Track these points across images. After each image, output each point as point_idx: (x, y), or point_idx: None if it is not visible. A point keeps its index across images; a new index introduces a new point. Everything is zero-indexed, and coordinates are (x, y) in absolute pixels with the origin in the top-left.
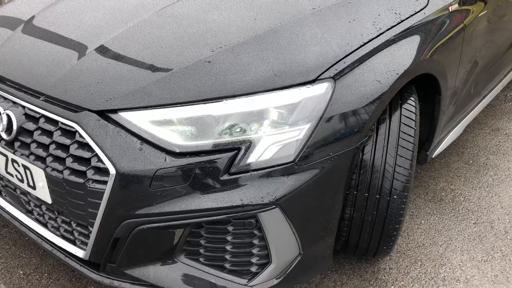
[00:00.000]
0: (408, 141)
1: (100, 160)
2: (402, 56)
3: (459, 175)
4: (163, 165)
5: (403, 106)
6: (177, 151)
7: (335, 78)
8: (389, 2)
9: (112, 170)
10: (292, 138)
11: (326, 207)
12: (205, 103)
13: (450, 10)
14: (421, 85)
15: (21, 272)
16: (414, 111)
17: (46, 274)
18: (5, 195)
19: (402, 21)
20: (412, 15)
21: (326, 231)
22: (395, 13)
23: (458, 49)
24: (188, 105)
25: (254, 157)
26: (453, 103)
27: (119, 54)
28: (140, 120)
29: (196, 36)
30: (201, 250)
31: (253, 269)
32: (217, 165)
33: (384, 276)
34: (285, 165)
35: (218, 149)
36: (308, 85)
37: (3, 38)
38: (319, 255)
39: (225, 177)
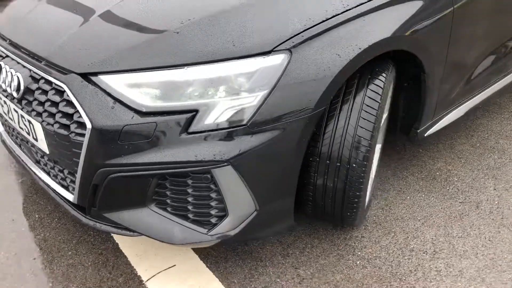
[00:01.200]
0: (370, 113)
1: (80, 116)
2: (369, 32)
3: (461, 156)
4: (129, 122)
5: (371, 80)
6: (144, 110)
7: (291, 50)
8: None
9: (89, 125)
10: (247, 104)
11: (282, 169)
12: (169, 69)
13: None
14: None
15: (37, 216)
16: (382, 86)
17: (56, 219)
18: (23, 148)
19: None
20: None
21: (284, 192)
22: None
23: (445, 29)
24: (155, 70)
25: (211, 119)
26: (447, 84)
27: (104, 26)
28: (114, 82)
29: (169, 11)
30: (168, 201)
31: (213, 220)
32: (176, 125)
33: (354, 243)
34: (238, 128)
35: (178, 110)
36: (264, 56)
37: (29, 8)
38: (277, 214)
39: (184, 135)
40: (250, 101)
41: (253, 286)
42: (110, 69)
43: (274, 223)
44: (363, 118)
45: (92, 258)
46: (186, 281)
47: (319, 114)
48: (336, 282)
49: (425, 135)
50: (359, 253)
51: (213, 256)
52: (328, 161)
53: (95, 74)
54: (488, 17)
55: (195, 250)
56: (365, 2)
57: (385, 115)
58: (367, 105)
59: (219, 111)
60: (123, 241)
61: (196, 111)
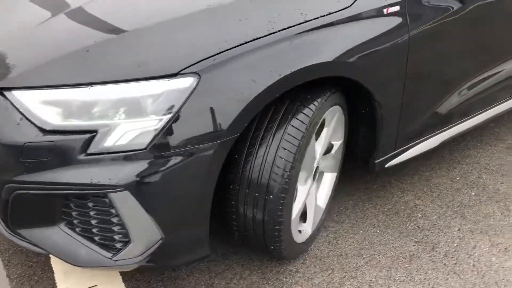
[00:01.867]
0: (292, 143)
1: None
2: (295, 58)
3: (434, 190)
4: (31, 139)
5: (299, 108)
6: (47, 128)
7: (199, 73)
8: (301, 3)
9: None
10: (150, 127)
11: (190, 198)
12: (74, 88)
13: (386, 13)
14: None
15: None
16: (309, 115)
17: None
18: None
19: (307, 21)
20: (323, 16)
21: (194, 221)
22: (301, 14)
23: (400, 57)
24: (61, 88)
25: (110, 141)
26: (410, 114)
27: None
28: (23, 97)
29: (86, 29)
30: (75, 221)
31: (118, 245)
32: (76, 145)
33: (286, 277)
34: (137, 152)
35: (78, 130)
36: (169, 78)
37: None
38: (189, 244)
39: (82, 156)
40: (152, 124)
41: None
42: (21, 84)
43: (185, 252)
44: (284, 148)
45: (20, 270)
46: None
47: (232, 140)
48: None
49: (386, 166)
50: None
51: (136, 279)
52: (247, 190)
53: (8, 89)
54: (454, 48)
55: (121, 271)
56: (295, 25)
57: (339, 142)
58: (290, 134)
59: (119, 134)
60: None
61: (96, 132)
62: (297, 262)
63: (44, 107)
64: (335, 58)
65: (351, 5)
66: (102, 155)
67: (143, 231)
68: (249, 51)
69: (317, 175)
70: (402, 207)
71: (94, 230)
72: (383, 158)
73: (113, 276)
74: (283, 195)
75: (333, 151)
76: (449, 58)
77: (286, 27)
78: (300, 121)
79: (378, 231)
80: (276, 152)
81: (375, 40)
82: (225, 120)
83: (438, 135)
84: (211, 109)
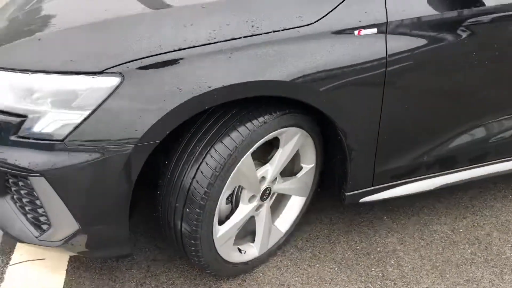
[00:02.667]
0: (216, 160)
1: None
2: (230, 72)
3: (426, 238)
4: None
5: (234, 125)
6: None
7: (124, 74)
8: (256, 15)
9: None
10: (71, 120)
11: (105, 196)
12: (17, 72)
13: (357, 35)
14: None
15: None
16: (243, 134)
17: None
18: None
19: (255, 35)
20: (276, 31)
21: (112, 219)
22: (252, 26)
23: (372, 91)
24: (8, 71)
25: (37, 128)
26: (391, 151)
27: None
28: None
29: (52, 16)
30: (15, 197)
31: (44, 226)
32: (9, 126)
33: None
34: (55, 142)
35: (13, 113)
36: (93, 75)
37: None
38: (108, 240)
39: (13, 137)
40: (74, 118)
41: None
42: None
43: (103, 247)
44: (207, 164)
45: None
46: (39, 279)
47: (151, 146)
48: None
49: (360, 200)
50: None
51: (80, 261)
52: (170, 199)
53: None
54: (453, 82)
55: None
56: (239, 38)
57: (309, 166)
58: (216, 151)
59: (46, 122)
60: None
61: (26, 116)
62: (234, 281)
63: None
64: (280, 78)
65: (314, 22)
66: (28, 140)
67: (60, 218)
68: (181, 58)
69: (270, 197)
70: (378, 249)
71: (27, 208)
72: (356, 192)
73: (62, 254)
74: (199, 210)
75: (299, 174)
76: (445, 95)
77: (229, 38)
78: (232, 139)
79: (336, 269)
80: (198, 167)
81: (339, 64)
82: (143, 125)
83: (437, 178)
84: (130, 112)
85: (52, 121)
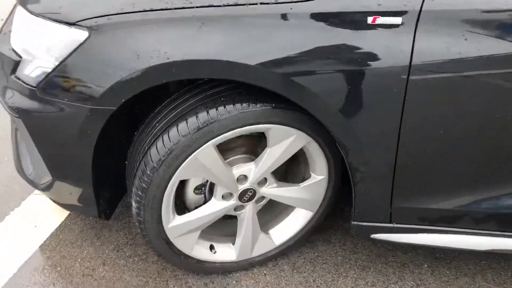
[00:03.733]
0: (164, 145)
1: None
2: (196, 44)
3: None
4: None
5: (195, 111)
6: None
7: (91, 29)
8: None
9: None
10: (46, 68)
11: (68, 152)
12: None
13: (370, 23)
14: None
15: None
16: (200, 123)
17: None
18: None
19: (238, 5)
20: (264, 4)
21: (77, 176)
22: None
23: (390, 103)
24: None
25: (26, 71)
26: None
27: None
28: None
29: None
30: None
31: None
32: (10, 65)
33: (173, 283)
34: (30, 88)
35: (14, 52)
36: (67, 26)
37: None
38: (74, 196)
39: (12, 77)
40: (48, 66)
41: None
42: None
43: (72, 203)
44: (156, 145)
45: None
46: (45, 214)
47: (107, 112)
48: None
49: (372, 236)
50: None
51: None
52: (128, 171)
53: None
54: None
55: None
56: (220, 6)
57: (318, 178)
58: (169, 133)
59: (32, 67)
60: None
61: (21, 58)
62: (202, 279)
63: None
64: (251, 62)
65: None
66: (19, 81)
67: (38, 164)
68: (148, 21)
69: (256, 200)
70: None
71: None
72: (364, 223)
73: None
74: (141, 193)
75: (302, 184)
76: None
77: (206, 4)
78: (187, 124)
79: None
80: (149, 148)
81: (341, 58)
82: (98, 88)
83: (490, 238)
84: (89, 71)
85: (33, 67)
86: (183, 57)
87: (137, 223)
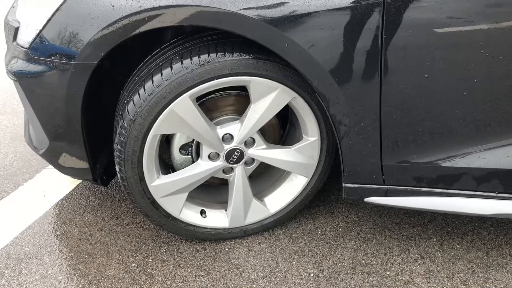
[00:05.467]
0: (140, 96)
1: None
2: None
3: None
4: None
5: (170, 62)
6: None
7: None
8: None
9: None
10: (35, 29)
11: (58, 112)
12: None
13: None
14: None
15: None
16: (174, 73)
17: None
18: None
19: None
20: None
21: (69, 137)
22: None
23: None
24: None
25: (23, 36)
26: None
27: None
28: None
29: None
30: None
31: None
32: (12, 32)
33: (166, 251)
34: (24, 49)
35: (13, 19)
36: None
37: None
38: (70, 159)
39: (14, 43)
40: (37, 27)
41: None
42: None
43: (69, 166)
44: (133, 99)
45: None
46: (56, 184)
47: (89, 67)
48: None
49: (366, 200)
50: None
51: (85, 187)
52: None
53: None
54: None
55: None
56: None
57: (311, 139)
58: (145, 86)
59: (26, 30)
60: None
61: (20, 24)
62: (194, 246)
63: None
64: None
65: None
66: (18, 46)
67: (39, 129)
68: None
69: (241, 161)
70: (387, 273)
71: None
72: (357, 185)
73: (70, 181)
74: (120, 147)
75: (294, 146)
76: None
77: None
78: (161, 75)
79: (310, 277)
80: (128, 100)
81: None
82: (79, 43)
83: (492, 201)
84: (71, 26)
85: (27, 30)
86: (153, 4)
87: (120, 181)
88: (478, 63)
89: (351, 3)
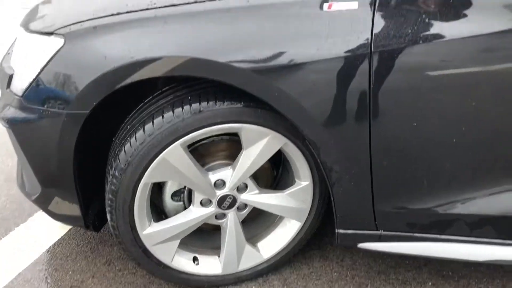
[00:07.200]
0: (132, 146)
1: None
2: (161, 43)
3: None
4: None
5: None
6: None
7: (66, 37)
8: None
9: None
10: (29, 77)
11: (51, 160)
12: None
13: (327, 9)
14: None
15: None
16: (165, 122)
17: None
18: None
19: (199, 2)
20: None
21: (60, 184)
22: None
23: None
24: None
25: (14, 82)
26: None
27: None
28: None
29: None
30: None
31: None
32: (6, 79)
33: None
34: (16, 97)
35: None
36: (45, 36)
37: None
38: (62, 205)
39: (7, 90)
40: (31, 75)
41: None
42: None
43: (61, 214)
44: (125, 148)
45: None
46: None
47: (81, 116)
48: None
49: (359, 246)
50: None
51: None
52: (108, 173)
53: None
54: None
55: None
56: (178, 5)
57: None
58: (136, 135)
59: (19, 78)
60: None
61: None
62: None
63: None
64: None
65: None
66: (11, 93)
67: (29, 173)
68: (116, 23)
69: (234, 206)
70: None
71: None
72: (350, 231)
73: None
74: (111, 196)
75: (287, 190)
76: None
77: (168, 4)
78: (153, 124)
79: None
80: (120, 150)
81: (299, 48)
82: (72, 92)
83: (486, 246)
84: (65, 76)
85: (20, 78)
86: (146, 56)
87: (111, 229)
88: (466, 110)
89: (339, 54)
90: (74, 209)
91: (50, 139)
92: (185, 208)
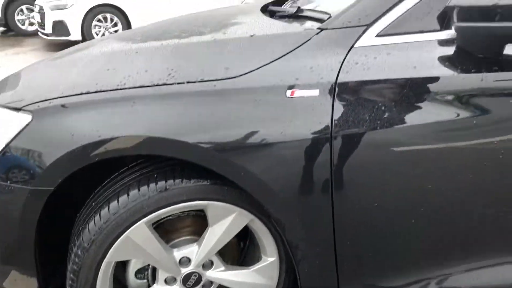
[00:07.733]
0: (96, 223)
1: None
2: (126, 122)
3: None
4: None
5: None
6: None
7: (34, 113)
8: (182, 61)
9: None
10: None
11: (13, 234)
12: None
13: (290, 96)
14: None
15: None
16: (131, 200)
17: None
18: None
19: (167, 84)
20: (190, 82)
21: (20, 260)
22: (169, 74)
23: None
24: None
25: None
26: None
27: None
28: None
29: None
30: None
31: None
32: None
33: None
34: None
35: None
36: (13, 111)
37: None
38: (22, 284)
39: None
40: None
41: None
42: None
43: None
44: (88, 226)
45: None
46: None
47: (45, 192)
48: None
49: None
50: None
51: None
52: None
53: None
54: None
55: None
56: (149, 86)
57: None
58: (100, 213)
59: None
60: None
61: None
62: None
63: None
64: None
65: (239, 76)
66: None
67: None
68: (84, 102)
69: (199, 284)
70: None
71: None
72: None
73: None
74: (72, 276)
75: (253, 267)
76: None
77: (137, 85)
78: (118, 202)
79: None
80: (83, 227)
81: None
82: (37, 169)
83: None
84: (30, 152)
85: None
86: (113, 135)
87: None
88: (422, 191)
89: (302, 137)
90: (32, 285)
91: (13, 215)
92: (149, 286)
